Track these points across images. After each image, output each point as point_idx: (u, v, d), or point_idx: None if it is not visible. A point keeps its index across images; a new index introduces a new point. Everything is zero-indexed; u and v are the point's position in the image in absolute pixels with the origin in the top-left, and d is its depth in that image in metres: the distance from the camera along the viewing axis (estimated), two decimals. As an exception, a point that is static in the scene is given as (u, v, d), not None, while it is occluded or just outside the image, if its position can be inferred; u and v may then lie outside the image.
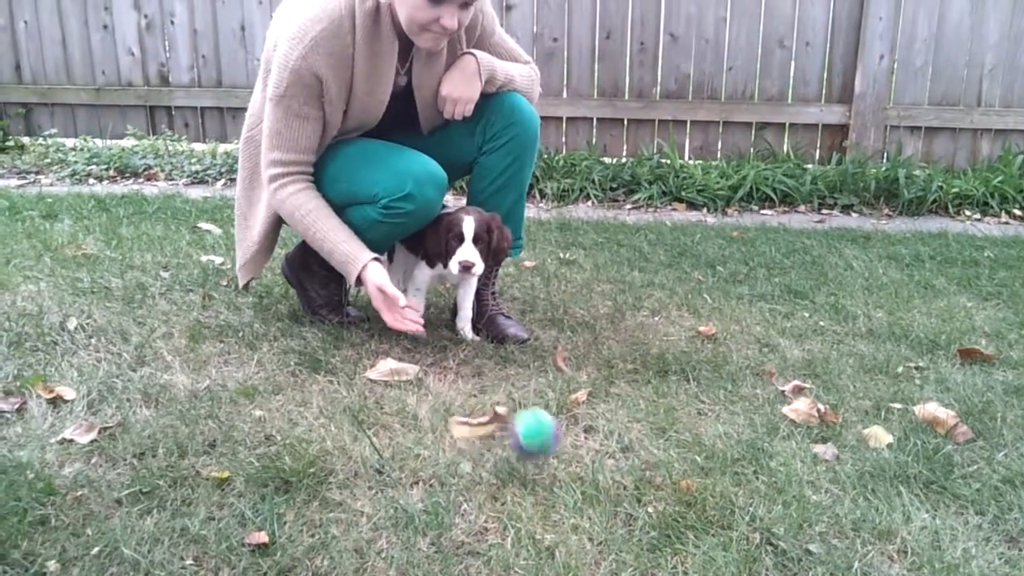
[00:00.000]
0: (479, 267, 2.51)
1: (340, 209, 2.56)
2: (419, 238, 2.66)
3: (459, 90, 2.55)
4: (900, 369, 2.54)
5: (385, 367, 2.41)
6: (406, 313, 2.45)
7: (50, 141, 6.12)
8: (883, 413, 2.23)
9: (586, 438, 2.08)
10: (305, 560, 1.55)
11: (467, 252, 2.50)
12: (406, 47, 2.52)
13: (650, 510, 1.73)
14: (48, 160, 5.84)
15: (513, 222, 2.76)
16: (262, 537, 1.59)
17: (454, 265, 2.50)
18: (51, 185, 5.35)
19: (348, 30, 2.38)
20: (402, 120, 2.68)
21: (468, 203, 2.80)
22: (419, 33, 2.39)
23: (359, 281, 2.48)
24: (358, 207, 2.53)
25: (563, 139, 5.83)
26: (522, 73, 2.71)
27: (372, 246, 2.63)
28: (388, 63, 2.49)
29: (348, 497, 1.76)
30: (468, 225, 2.49)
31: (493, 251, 2.55)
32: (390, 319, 2.46)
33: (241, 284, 2.80)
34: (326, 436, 2.01)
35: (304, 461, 1.86)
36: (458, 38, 2.57)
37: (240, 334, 2.64)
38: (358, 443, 1.97)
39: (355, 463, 1.89)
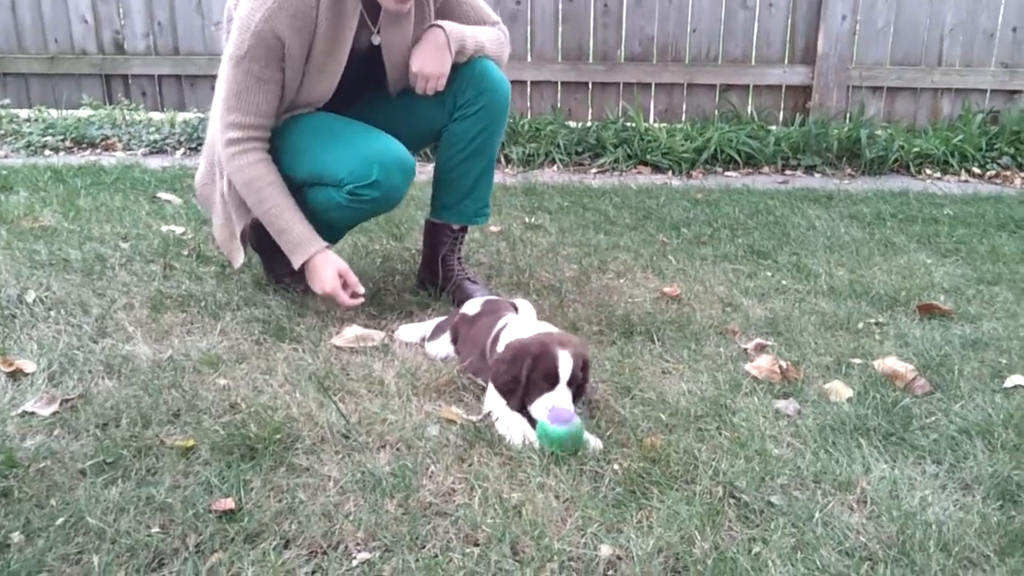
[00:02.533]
0: (573, 414, 1.89)
1: (304, 187, 2.53)
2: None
3: (430, 65, 2.50)
4: (860, 325, 2.58)
5: (351, 334, 2.40)
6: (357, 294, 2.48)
7: (3, 112, 5.97)
8: (843, 368, 2.27)
9: (552, 399, 2.09)
10: (273, 524, 1.55)
11: (559, 398, 1.89)
12: (375, 8, 2.47)
13: (616, 467, 1.74)
14: (1, 132, 5.70)
15: (481, 189, 2.75)
16: (229, 503, 1.59)
17: (540, 412, 1.88)
18: (5, 157, 5.22)
19: None
20: (370, 82, 2.64)
21: (437, 170, 2.75)
22: None
23: (303, 266, 2.48)
24: (323, 188, 2.50)
25: (528, 104, 5.80)
26: (491, 38, 2.67)
27: (335, 227, 2.60)
28: (349, 27, 2.44)
29: (315, 462, 1.76)
30: (565, 364, 1.89)
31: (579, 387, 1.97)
32: (344, 299, 2.45)
33: (237, 265, 2.70)
34: (292, 403, 2.00)
35: (270, 428, 1.85)
36: (424, 0, 2.54)
37: (203, 303, 2.61)
38: (324, 409, 1.97)
39: (321, 429, 1.89)
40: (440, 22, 2.54)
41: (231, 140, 2.45)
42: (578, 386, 1.94)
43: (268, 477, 1.70)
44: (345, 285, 2.47)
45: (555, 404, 1.86)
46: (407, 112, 2.64)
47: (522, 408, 1.92)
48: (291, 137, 2.53)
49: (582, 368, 1.93)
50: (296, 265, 2.50)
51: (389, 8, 2.42)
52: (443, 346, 2.30)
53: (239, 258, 2.66)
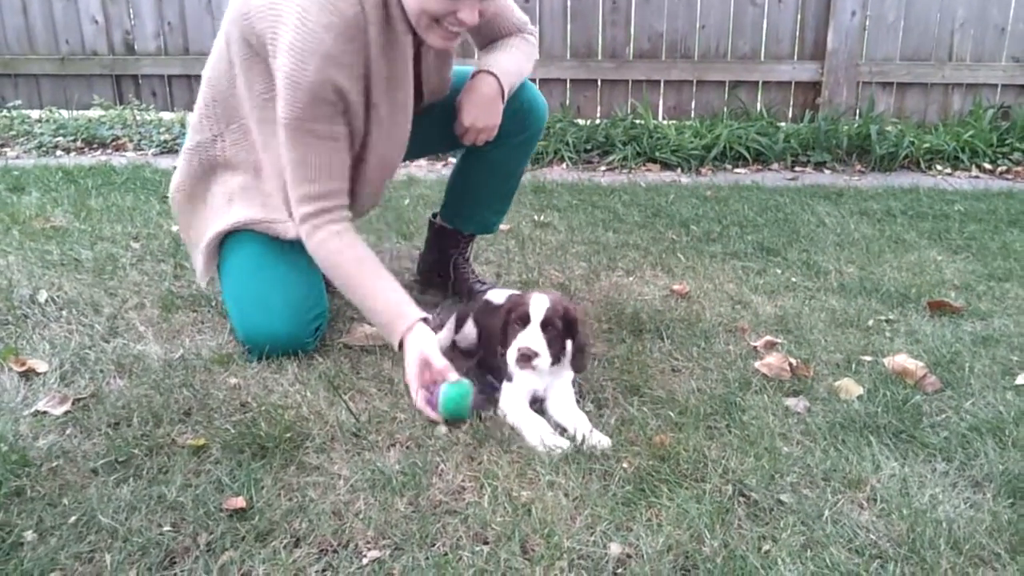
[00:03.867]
0: (544, 359, 1.90)
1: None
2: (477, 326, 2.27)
3: (483, 119, 2.33)
4: (871, 322, 2.58)
5: (360, 332, 2.41)
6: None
7: (14, 113, 6.01)
8: (853, 365, 2.26)
9: (561, 397, 2.09)
10: (283, 523, 1.55)
11: (530, 337, 1.91)
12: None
13: (625, 465, 1.74)
14: (13, 132, 5.73)
15: (502, 202, 2.75)
16: (239, 502, 1.60)
17: (512, 354, 1.92)
18: (17, 158, 5.26)
19: (362, 29, 2.05)
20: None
21: (459, 181, 2.73)
22: (429, 28, 2.08)
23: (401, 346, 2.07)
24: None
25: (536, 101, 5.79)
26: (528, 55, 2.48)
27: None
28: (405, 63, 2.19)
29: (325, 461, 1.77)
30: (538, 305, 1.92)
31: (572, 347, 1.98)
32: (413, 396, 1.98)
33: (203, 284, 2.57)
34: (302, 402, 2.01)
35: (280, 427, 1.86)
36: None
37: (213, 303, 2.62)
38: (334, 408, 1.98)
39: (331, 427, 1.89)
40: (491, 66, 2.33)
41: (305, 216, 2.17)
42: (557, 335, 1.93)
43: (278, 475, 1.71)
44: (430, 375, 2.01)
45: (526, 343, 1.89)
46: (432, 129, 2.46)
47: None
48: (224, 264, 2.40)
49: (564, 316, 1.93)
50: (394, 349, 2.12)
51: (436, 47, 2.18)
52: (469, 334, 2.29)
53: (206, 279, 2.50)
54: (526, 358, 1.90)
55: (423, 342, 2.02)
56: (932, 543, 1.51)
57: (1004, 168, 5.15)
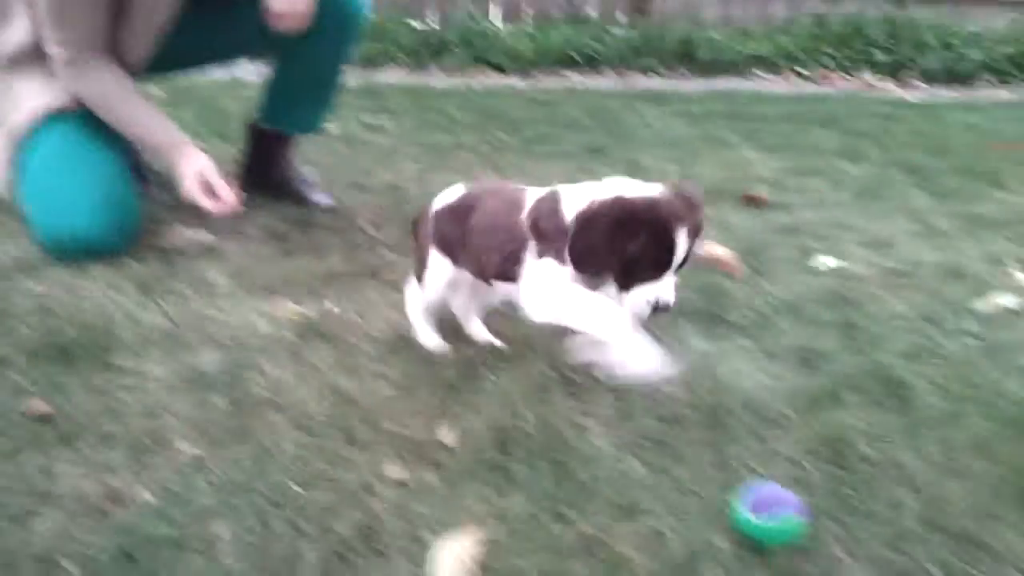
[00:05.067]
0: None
1: None
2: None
3: (291, 2, 2.24)
4: (687, 215, 2.69)
5: (176, 235, 2.30)
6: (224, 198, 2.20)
7: None
8: (669, 255, 2.37)
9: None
10: (92, 425, 1.49)
11: (666, 289, 1.53)
12: None
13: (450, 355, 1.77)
14: None
15: (324, 98, 2.66)
16: (43, 406, 1.51)
17: (641, 305, 1.53)
18: None
19: None
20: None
21: (273, 77, 2.63)
22: None
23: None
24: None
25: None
26: None
27: None
28: None
29: (138, 364, 1.70)
30: (681, 240, 1.49)
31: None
32: (211, 205, 2.20)
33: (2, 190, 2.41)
34: (114, 307, 1.91)
35: (90, 332, 1.76)
36: None
37: (11, 210, 2.42)
38: (148, 311, 1.89)
39: (145, 330, 1.82)
40: None
41: (65, 59, 2.19)
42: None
43: (87, 379, 1.62)
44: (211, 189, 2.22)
45: (665, 295, 1.52)
46: (247, 26, 2.37)
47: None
48: (25, 163, 2.27)
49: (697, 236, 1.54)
50: (175, 173, 2.26)
51: None
52: (440, 271, 1.75)
53: None
54: (665, 309, 1.54)
55: (201, 163, 2.22)
56: (731, 411, 1.62)
57: (818, 72, 5.44)
